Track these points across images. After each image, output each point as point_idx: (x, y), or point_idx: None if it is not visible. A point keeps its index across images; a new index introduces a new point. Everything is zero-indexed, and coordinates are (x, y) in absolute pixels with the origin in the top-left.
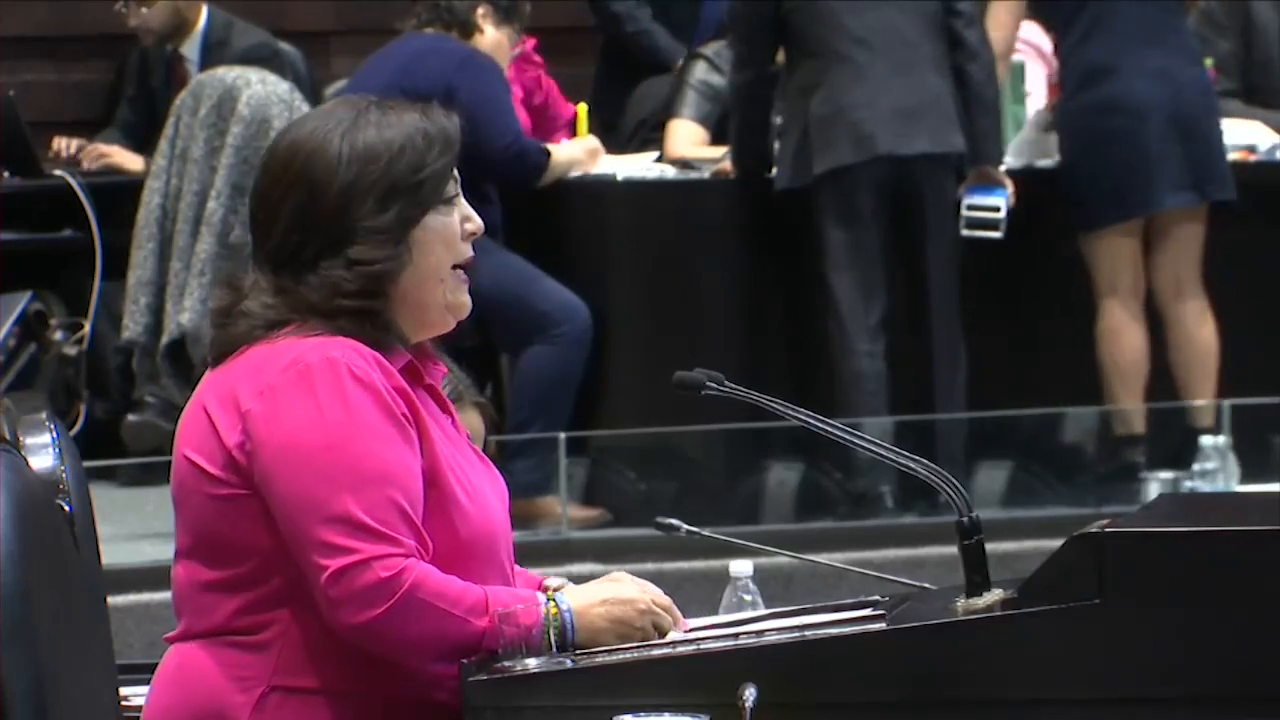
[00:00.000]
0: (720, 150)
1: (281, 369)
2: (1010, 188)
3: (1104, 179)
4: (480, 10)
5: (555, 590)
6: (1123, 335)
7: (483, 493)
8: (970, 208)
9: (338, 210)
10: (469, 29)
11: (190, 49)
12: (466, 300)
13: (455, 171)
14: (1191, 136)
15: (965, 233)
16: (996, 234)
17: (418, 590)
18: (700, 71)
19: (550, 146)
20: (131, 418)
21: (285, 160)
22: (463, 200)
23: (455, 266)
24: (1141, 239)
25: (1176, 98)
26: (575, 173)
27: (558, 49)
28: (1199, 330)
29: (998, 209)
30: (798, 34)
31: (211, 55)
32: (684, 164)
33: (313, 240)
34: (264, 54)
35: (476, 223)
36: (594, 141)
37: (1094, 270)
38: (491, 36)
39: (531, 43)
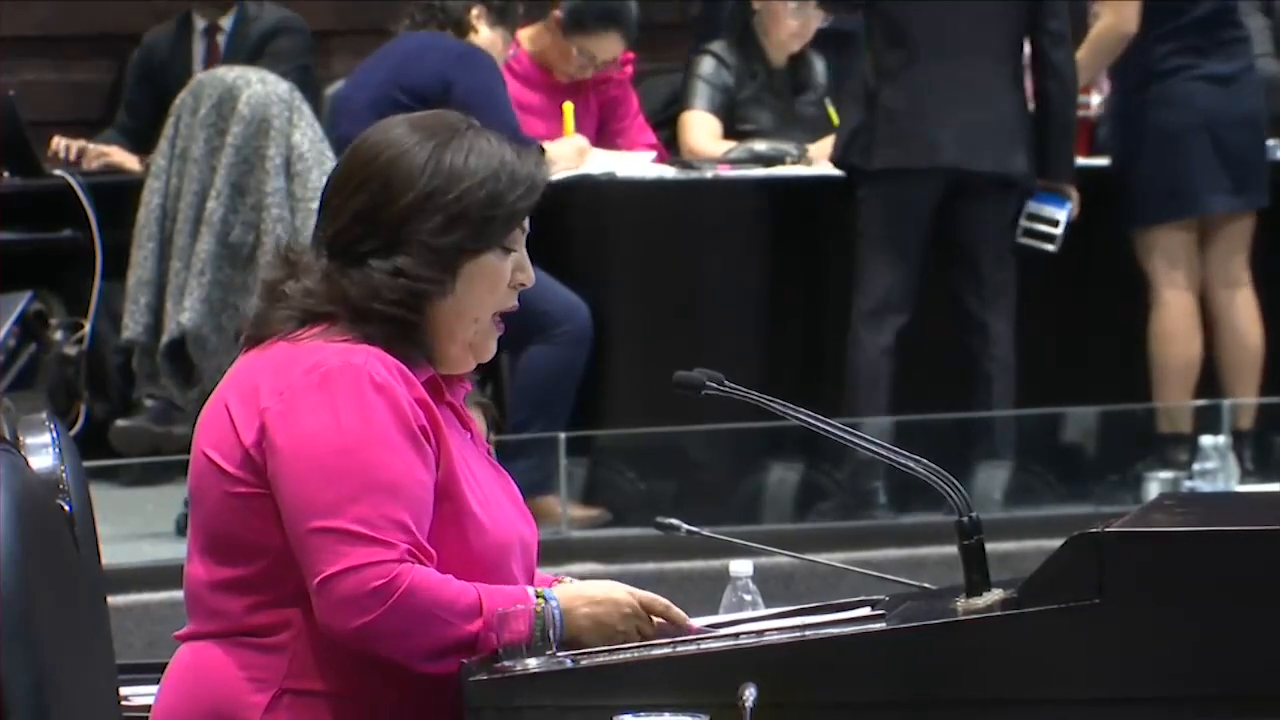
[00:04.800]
0: (731, 144)
1: (304, 371)
2: (1075, 199)
3: (1160, 177)
4: (474, 11)
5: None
6: (1179, 333)
7: (499, 506)
8: (1030, 217)
9: (403, 217)
10: (463, 29)
11: (226, 21)
12: (492, 347)
13: (527, 222)
14: (1245, 144)
15: (1020, 240)
16: (1050, 247)
17: (411, 596)
18: (709, 67)
19: (550, 147)
20: (120, 423)
21: (370, 155)
22: (524, 252)
23: (496, 314)
24: (1197, 234)
25: (1240, 106)
26: (563, 171)
27: (644, 45)
28: (1247, 329)
29: (1057, 223)
30: (889, 19)
31: (245, 27)
32: (685, 164)
33: (371, 238)
34: (295, 25)
35: (528, 276)
36: (581, 140)
37: (1149, 267)
38: (486, 37)
39: (628, 62)
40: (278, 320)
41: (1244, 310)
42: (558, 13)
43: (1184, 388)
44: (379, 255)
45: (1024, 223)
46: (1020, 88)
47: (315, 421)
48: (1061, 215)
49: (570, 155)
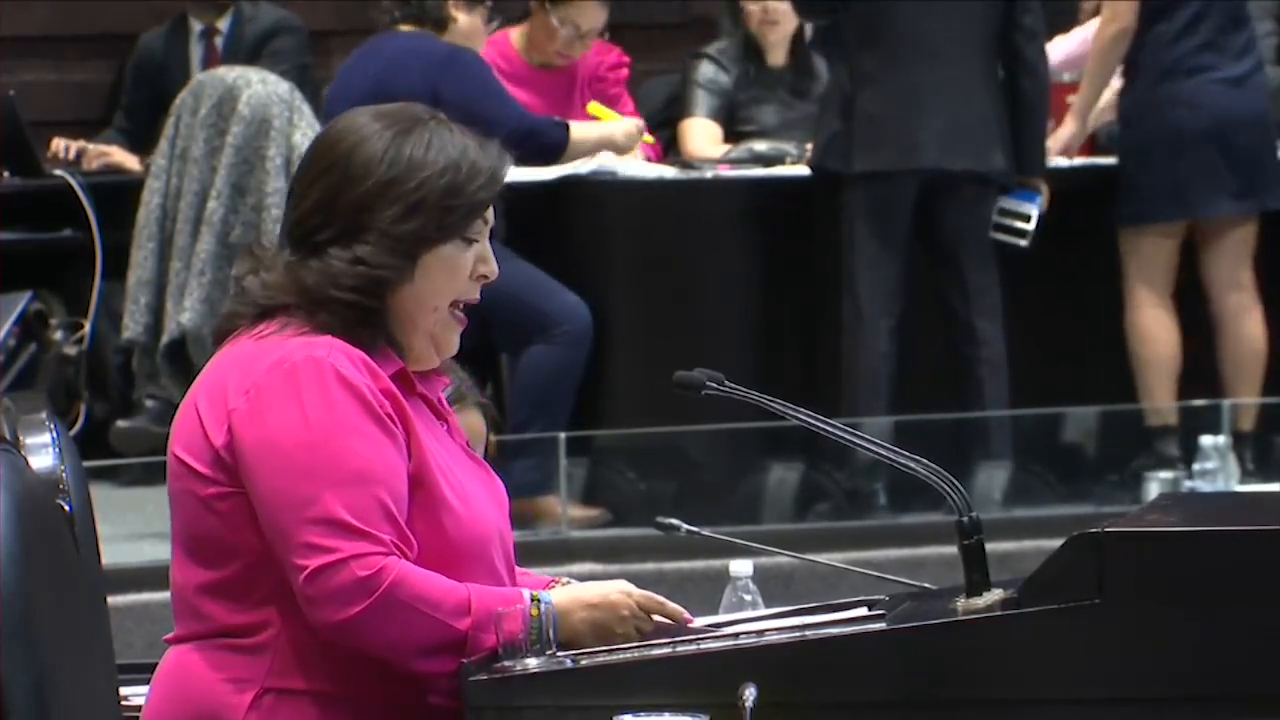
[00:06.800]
0: (728, 146)
1: (267, 368)
2: (1045, 193)
3: (1166, 177)
4: (450, 2)
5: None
6: (1155, 329)
7: (475, 497)
8: (1001, 212)
9: (361, 206)
10: (443, 24)
11: (223, 23)
12: (454, 341)
13: (490, 214)
14: (1256, 145)
15: (992, 235)
16: (1022, 242)
17: (397, 590)
18: (707, 71)
19: (575, 124)
20: (121, 424)
21: (331, 143)
22: (486, 244)
23: (455, 303)
24: (1183, 239)
25: (1251, 106)
26: (611, 155)
27: (644, 45)
28: (1252, 331)
29: (1029, 218)
30: (863, 22)
31: (241, 28)
32: (685, 164)
33: (329, 226)
34: (293, 25)
35: (491, 268)
36: (635, 123)
37: (1131, 264)
38: (464, 22)
39: (615, 56)
40: (233, 315)
41: (1248, 314)
42: None
43: (1167, 383)
44: (338, 244)
45: (996, 218)
46: (996, 85)
47: (283, 417)
48: (1034, 210)
49: (620, 139)
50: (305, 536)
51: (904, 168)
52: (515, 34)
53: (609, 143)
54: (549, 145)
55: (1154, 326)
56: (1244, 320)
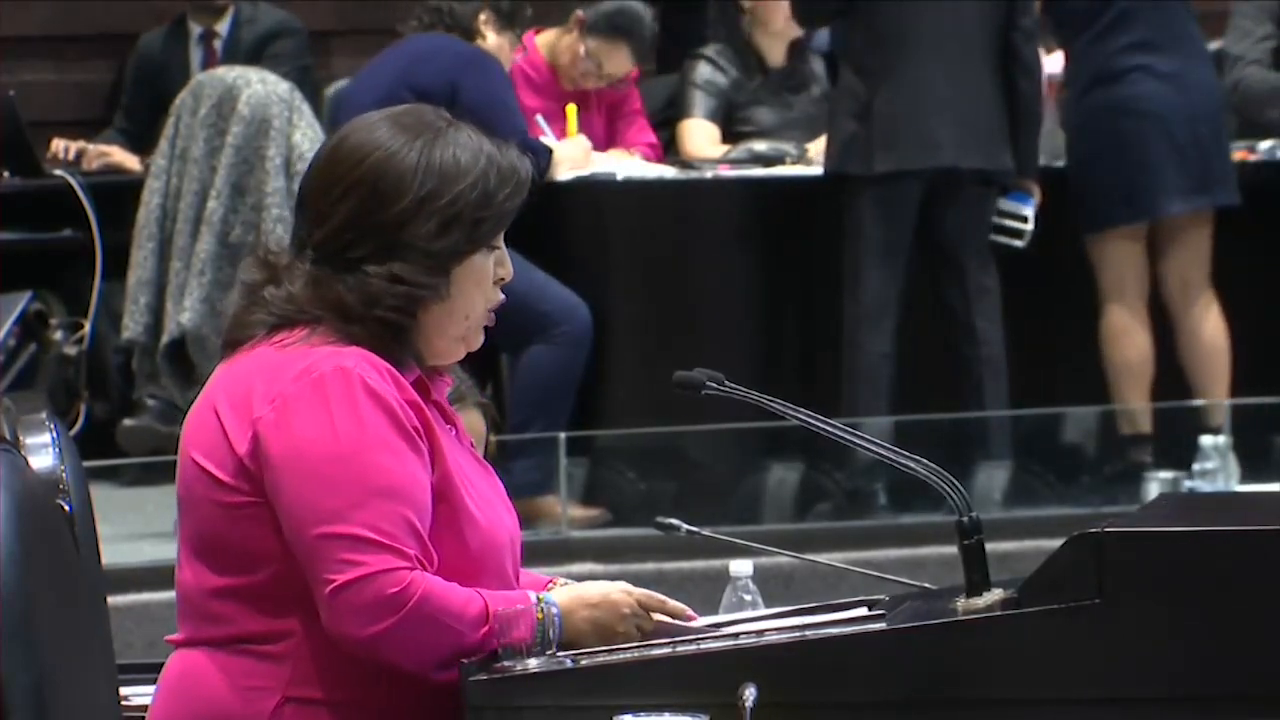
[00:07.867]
0: (726, 147)
1: (294, 377)
2: (1037, 195)
3: (1115, 181)
4: (482, 16)
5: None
6: (1129, 336)
7: (492, 504)
8: (1000, 213)
9: (398, 223)
10: (471, 35)
11: (222, 25)
12: (480, 339)
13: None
14: (1202, 140)
15: (991, 237)
16: (1019, 243)
17: (424, 604)
18: (705, 72)
19: (557, 149)
20: (127, 422)
21: (354, 158)
22: (503, 248)
23: (489, 309)
24: (1147, 241)
25: (1190, 101)
26: (569, 172)
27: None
28: (1209, 330)
29: (1026, 219)
30: (870, 23)
31: (241, 31)
32: (685, 164)
33: (363, 243)
34: (293, 26)
35: (508, 270)
36: (586, 141)
37: (1100, 271)
38: (493, 42)
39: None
40: (251, 324)
41: (1209, 314)
42: (581, 13)
43: (1141, 390)
44: (373, 261)
45: (993, 219)
46: (999, 85)
47: (310, 428)
48: (1030, 212)
49: (576, 156)
50: (331, 551)
51: (924, 166)
52: (540, 38)
53: (571, 162)
54: (538, 168)
55: (1125, 333)
56: (1206, 321)
